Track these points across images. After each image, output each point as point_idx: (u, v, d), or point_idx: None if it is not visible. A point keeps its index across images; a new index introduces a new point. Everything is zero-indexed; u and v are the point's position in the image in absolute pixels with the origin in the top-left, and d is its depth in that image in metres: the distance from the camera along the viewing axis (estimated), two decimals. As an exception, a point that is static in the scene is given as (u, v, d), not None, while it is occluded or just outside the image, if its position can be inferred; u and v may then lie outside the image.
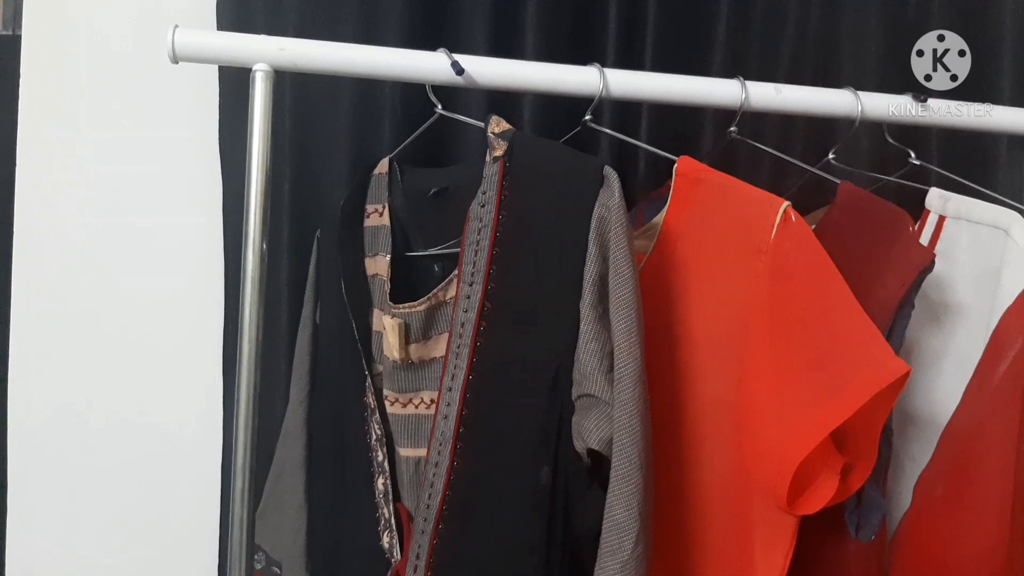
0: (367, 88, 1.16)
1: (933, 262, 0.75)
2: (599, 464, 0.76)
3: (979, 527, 0.77)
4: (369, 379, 0.96)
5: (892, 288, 0.75)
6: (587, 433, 0.75)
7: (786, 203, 0.74)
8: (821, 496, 0.69)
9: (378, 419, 0.95)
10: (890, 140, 1.04)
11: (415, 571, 0.87)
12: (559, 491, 0.77)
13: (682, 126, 1.21)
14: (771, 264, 0.74)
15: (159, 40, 0.86)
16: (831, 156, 1.03)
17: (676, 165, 0.87)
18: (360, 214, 1.01)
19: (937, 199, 0.90)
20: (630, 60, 1.20)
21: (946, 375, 0.84)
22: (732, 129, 0.97)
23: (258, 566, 1.10)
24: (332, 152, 1.17)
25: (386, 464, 0.94)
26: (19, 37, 1.14)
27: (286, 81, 1.15)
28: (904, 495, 0.83)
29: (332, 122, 1.17)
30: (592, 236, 0.76)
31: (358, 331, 0.96)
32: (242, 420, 0.88)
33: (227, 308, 1.18)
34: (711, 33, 1.23)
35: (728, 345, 0.78)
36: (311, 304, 1.08)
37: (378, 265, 0.97)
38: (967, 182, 1.02)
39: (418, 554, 0.87)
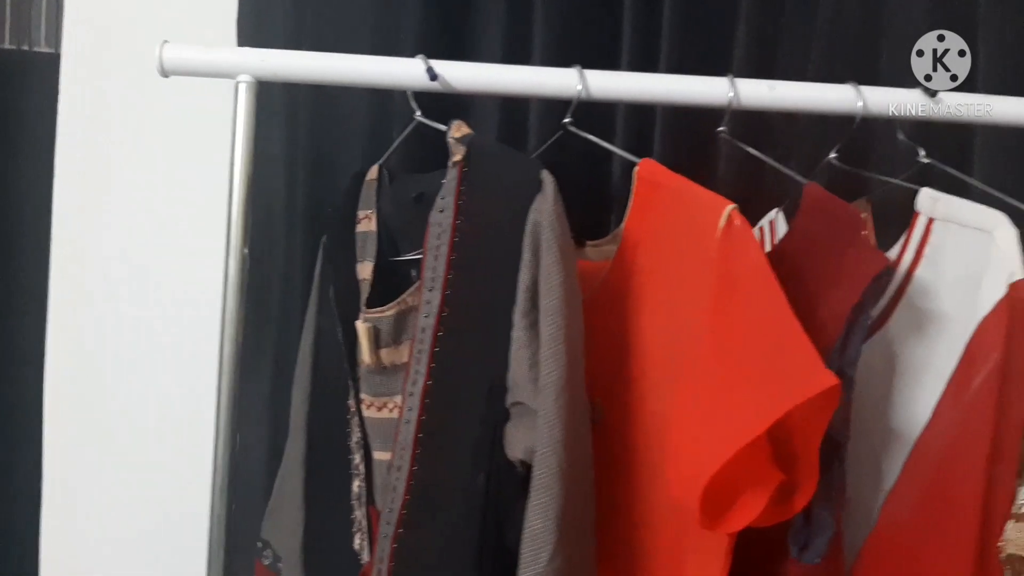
0: (379, 99, 1.18)
1: (888, 268, 0.70)
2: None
3: (946, 554, 0.71)
4: (352, 383, 0.97)
5: (845, 296, 0.70)
6: (515, 442, 0.74)
7: (730, 206, 0.71)
8: (746, 514, 0.65)
9: (358, 422, 0.96)
10: (901, 137, 0.97)
11: (379, 574, 0.87)
12: (492, 500, 0.76)
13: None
14: (715, 270, 0.71)
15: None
16: (832, 156, 0.97)
17: (637, 168, 0.85)
18: (353, 220, 1.03)
19: (927, 200, 0.83)
20: (645, 66, 1.17)
21: (928, 389, 0.78)
22: (721, 129, 0.93)
23: (266, 562, 1.13)
24: (345, 161, 1.19)
25: (362, 467, 0.95)
26: (58, 56, 1.23)
27: (301, 95, 1.19)
28: (871, 516, 0.78)
29: (345, 133, 1.20)
30: (526, 242, 0.75)
31: (343, 335, 0.98)
32: (223, 420, 0.92)
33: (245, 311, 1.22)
34: (731, 36, 1.19)
35: (677, 356, 0.75)
36: (315, 308, 1.10)
37: (365, 270, 0.99)
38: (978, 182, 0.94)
39: (382, 557, 0.88)
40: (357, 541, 0.94)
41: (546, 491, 0.70)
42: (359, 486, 0.95)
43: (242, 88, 0.89)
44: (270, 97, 1.19)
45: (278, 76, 0.91)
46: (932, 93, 0.92)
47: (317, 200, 1.19)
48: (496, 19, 1.18)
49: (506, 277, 0.77)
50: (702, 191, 0.76)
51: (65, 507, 1.30)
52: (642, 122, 1.19)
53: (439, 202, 0.85)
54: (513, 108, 1.18)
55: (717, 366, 0.69)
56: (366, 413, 0.95)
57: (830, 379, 0.62)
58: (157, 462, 1.30)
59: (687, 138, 1.17)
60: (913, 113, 0.93)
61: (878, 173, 1.12)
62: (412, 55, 0.90)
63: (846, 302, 0.70)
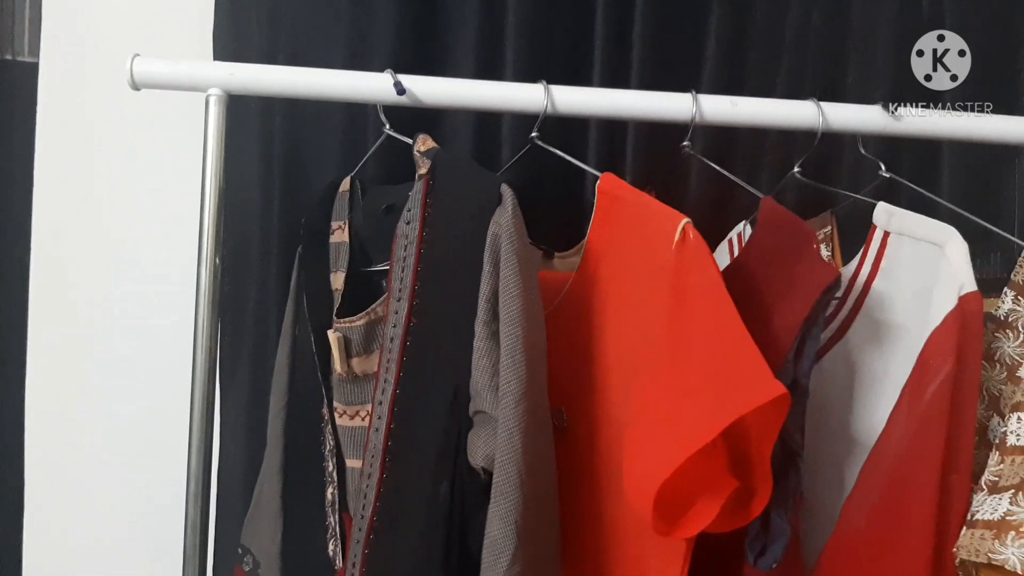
0: (356, 112, 1.20)
1: (838, 280, 0.72)
2: (496, 481, 0.76)
3: (902, 560, 0.73)
4: (325, 392, 0.99)
5: (797, 308, 0.72)
6: (476, 450, 0.76)
7: (684, 220, 0.72)
8: (700, 520, 0.67)
9: (331, 430, 0.98)
10: (863, 151, 0.99)
11: (351, 579, 0.89)
12: (456, 507, 0.78)
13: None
14: (670, 282, 0.73)
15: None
16: (796, 170, 0.99)
17: (599, 182, 0.86)
18: (327, 230, 1.05)
19: (883, 214, 0.85)
20: (617, 80, 1.19)
21: (885, 398, 0.80)
22: (685, 144, 0.95)
23: (246, 568, 1.15)
24: (322, 173, 1.21)
25: (335, 474, 0.97)
26: (37, 64, 1.25)
27: (277, 107, 1.20)
28: (833, 522, 0.79)
29: (322, 145, 1.22)
30: (487, 254, 0.77)
31: (316, 344, 0.99)
32: (196, 427, 0.93)
33: (221, 324, 1.23)
34: (701, 51, 1.21)
35: (635, 366, 0.77)
36: (291, 317, 1.12)
37: (338, 280, 1.01)
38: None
39: (354, 563, 0.89)
40: (331, 547, 0.96)
41: (505, 498, 0.72)
42: (332, 493, 0.97)
43: (212, 101, 0.91)
44: (246, 109, 1.20)
45: (248, 90, 0.92)
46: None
47: (294, 211, 1.21)
48: (470, 34, 1.20)
49: (469, 288, 0.79)
50: (659, 205, 0.78)
51: (47, 515, 1.31)
52: (615, 136, 1.21)
53: (406, 214, 0.87)
54: (487, 121, 1.20)
55: (670, 375, 0.70)
56: (339, 421, 0.96)
57: (778, 388, 0.63)
58: (139, 470, 1.32)
59: (659, 151, 1.19)
60: (877, 128, 0.95)
61: (848, 186, 1.15)
62: (385, 70, 0.91)
63: (798, 314, 0.72)
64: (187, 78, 0.92)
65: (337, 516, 0.96)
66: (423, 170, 0.86)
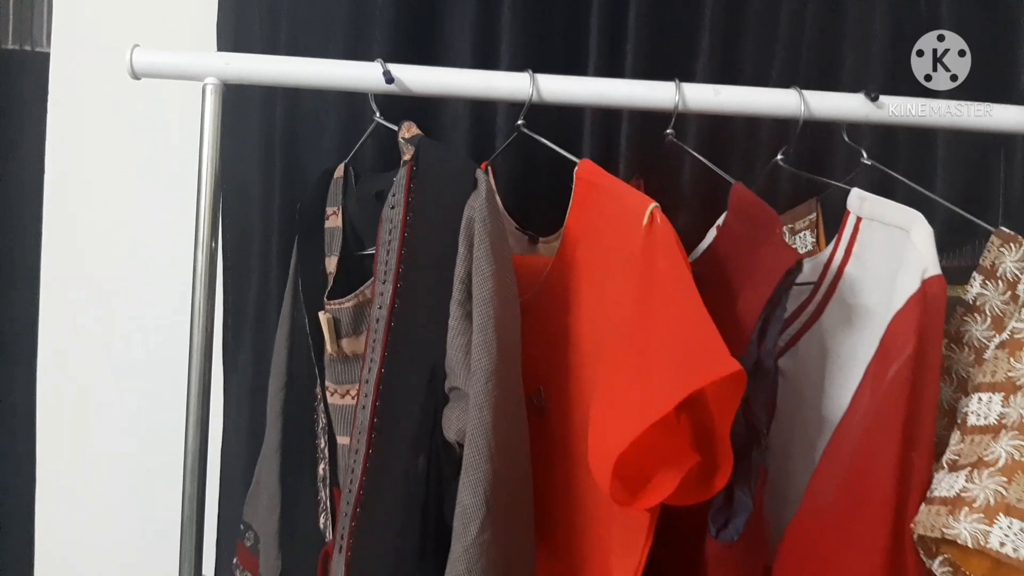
0: (354, 104, 1.23)
1: (800, 263, 0.73)
2: (470, 455, 0.79)
3: (862, 537, 0.75)
4: (318, 372, 1.02)
5: (761, 292, 0.74)
6: (449, 424, 0.79)
7: (652, 205, 0.75)
8: (659, 492, 0.69)
9: (323, 408, 1.01)
10: (846, 139, 1.01)
11: (340, 551, 0.92)
12: (432, 480, 0.81)
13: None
14: (638, 265, 0.75)
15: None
16: (779, 158, 1.01)
17: (577, 169, 0.89)
18: (322, 216, 1.08)
19: (856, 200, 0.87)
20: (611, 73, 1.21)
21: (853, 380, 0.81)
22: (669, 132, 0.97)
23: (247, 543, 1.19)
24: (322, 160, 1.24)
25: (326, 451, 1.00)
26: (48, 55, 1.29)
27: (278, 100, 1.24)
28: (799, 500, 0.81)
29: (320, 135, 1.25)
30: (462, 236, 0.80)
31: (310, 326, 1.03)
32: (193, 405, 0.96)
33: (224, 307, 1.28)
34: (695, 43, 1.23)
35: (605, 347, 0.79)
36: (290, 300, 1.15)
37: (331, 264, 1.04)
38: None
39: (342, 535, 0.92)
40: (321, 521, 0.99)
41: (475, 470, 0.75)
42: (324, 469, 1.00)
43: (208, 90, 0.94)
44: (249, 103, 1.24)
45: (242, 79, 0.96)
46: (874, 98, 0.95)
47: (296, 201, 1.24)
48: (466, 31, 1.23)
49: (448, 270, 0.81)
50: (632, 191, 0.80)
51: (57, 504, 1.37)
52: (610, 126, 1.23)
53: (391, 199, 0.89)
54: (483, 112, 1.23)
55: (633, 353, 0.73)
56: (330, 400, 1.00)
57: (732, 365, 0.65)
58: (147, 464, 1.36)
59: (651, 142, 1.20)
60: (860, 116, 0.96)
61: (840, 176, 1.16)
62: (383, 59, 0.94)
63: (761, 296, 0.74)
64: (184, 67, 0.95)
65: (328, 491, 0.99)
66: (407, 156, 0.89)
